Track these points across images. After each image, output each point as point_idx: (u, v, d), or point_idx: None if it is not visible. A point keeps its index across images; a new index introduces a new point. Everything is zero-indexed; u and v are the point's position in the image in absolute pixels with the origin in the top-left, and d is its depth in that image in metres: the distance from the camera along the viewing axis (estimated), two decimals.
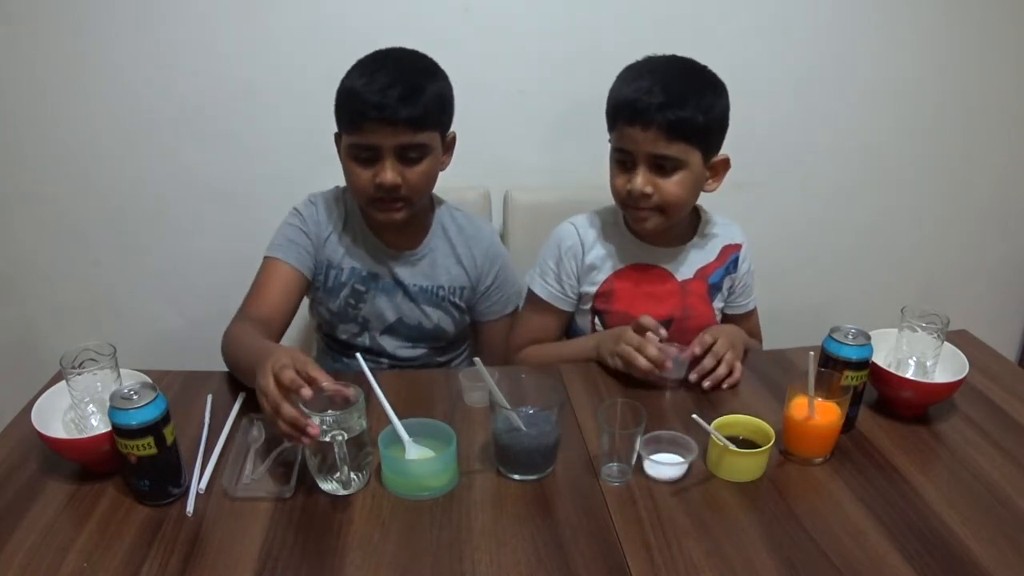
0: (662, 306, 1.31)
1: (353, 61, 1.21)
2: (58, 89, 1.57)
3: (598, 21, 1.61)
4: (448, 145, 1.26)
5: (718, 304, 1.36)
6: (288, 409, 0.85)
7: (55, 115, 1.60)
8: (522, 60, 1.63)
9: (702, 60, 1.26)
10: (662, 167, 1.17)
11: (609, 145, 1.27)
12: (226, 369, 1.19)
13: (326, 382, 0.89)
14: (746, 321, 1.40)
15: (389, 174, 1.15)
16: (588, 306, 1.34)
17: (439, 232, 1.34)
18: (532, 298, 1.37)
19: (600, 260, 1.32)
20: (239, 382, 1.16)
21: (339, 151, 1.24)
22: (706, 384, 1.14)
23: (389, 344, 1.37)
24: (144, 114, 1.61)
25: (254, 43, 1.56)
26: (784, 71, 1.69)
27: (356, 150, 1.17)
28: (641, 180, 1.17)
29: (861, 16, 1.68)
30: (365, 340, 1.37)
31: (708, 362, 1.15)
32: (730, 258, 1.35)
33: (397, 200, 1.20)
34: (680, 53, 1.27)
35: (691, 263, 1.33)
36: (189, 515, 0.89)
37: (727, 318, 1.40)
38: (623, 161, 1.19)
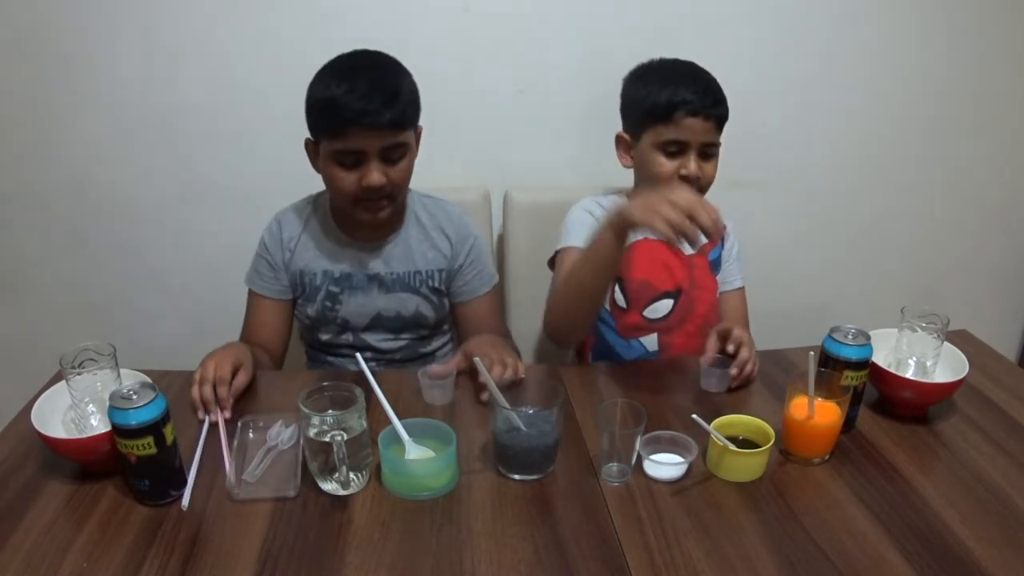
0: (675, 276, 1.38)
1: None
2: (58, 89, 1.57)
3: (598, 21, 1.61)
4: (417, 138, 1.29)
5: (719, 278, 1.45)
6: (204, 390, 1.07)
7: (55, 115, 1.60)
8: (522, 60, 1.63)
9: (702, 60, 1.30)
10: (706, 154, 1.29)
11: (619, 140, 1.33)
12: None
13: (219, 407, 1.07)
14: (736, 300, 1.47)
15: (375, 176, 1.19)
16: None
17: (411, 219, 1.37)
18: (565, 255, 1.33)
19: None
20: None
21: (312, 157, 1.26)
22: (748, 369, 1.17)
23: (372, 338, 1.39)
24: (144, 114, 1.61)
25: (254, 43, 1.56)
26: (785, 71, 1.69)
27: (340, 156, 1.19)
28: (695, 165, 1.28)
29: (862, 16, 1.68)
30: (348, 337, 1.38)
31: (744, 353, 1.17)
32: (721, 236, 1.44)
33: (383, 199, 1.24)
34: (681, 54, 1.31)
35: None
36: (184, 508, 0.89)
37: (720, 298, 1.46)
38: (673, 151, 1.28)
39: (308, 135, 1.25)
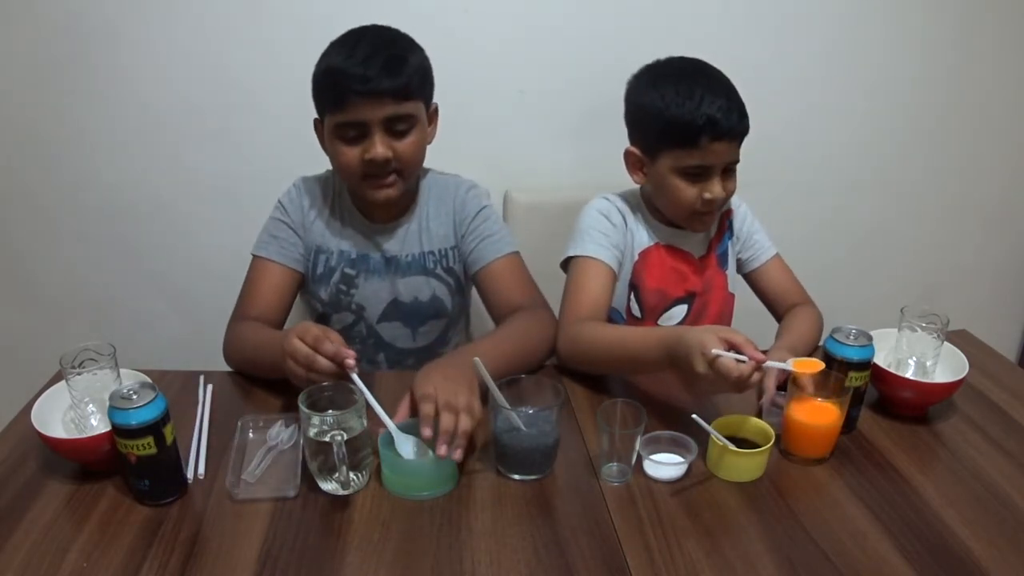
0: (688, 281, 1.33)
1: None
2: (58, 89, 1.58)
3: (597, 21, 1.61)
4: (431, 116, 1.24)
5: (730, 272, 1.39)
6: (322, 358, 0.93)
7: (55, 115, 1.60)
8: (522, 60, 1.63)
9: (704, 59, 1.27)
10: (729, 169, 1.22)
11: (621, 147, 1.28)
12: (225, 368, 1.19)
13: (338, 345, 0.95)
14: (775, 272, 1.37)
15: (379, 148, 1.14)
16: (627, 281, 1.33)
17: (425, 198, 1.32)
18: (582, 265, 1.27)
19: (634, 235, 1.33)
20: (238, 382, 1.17)
21: (320, 137, 1.22)
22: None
23: (387, 332, 1.35)
24: (144, 114, 1.61)
25: (253, 43, 1.56)
26: (785, 71, 1.69)
27: (342, 129, 1.14)
28: (719, 187, 1.20)
29: (863, 17, 1.68)
30: (362, 329, 1.34)
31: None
32: (727, 224, 1.38)
33: (389, 175, 1.18)
34: (682, 53, 1.27)
35: (703, 239, 1.36)
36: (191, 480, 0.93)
37: (752, 280, 1.39)
38: (696, 174, 1.20)
39: (315, 116, 1.22)
